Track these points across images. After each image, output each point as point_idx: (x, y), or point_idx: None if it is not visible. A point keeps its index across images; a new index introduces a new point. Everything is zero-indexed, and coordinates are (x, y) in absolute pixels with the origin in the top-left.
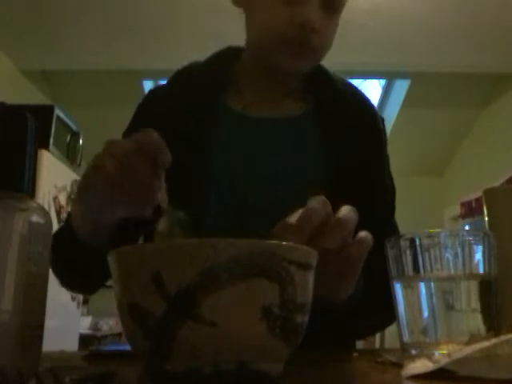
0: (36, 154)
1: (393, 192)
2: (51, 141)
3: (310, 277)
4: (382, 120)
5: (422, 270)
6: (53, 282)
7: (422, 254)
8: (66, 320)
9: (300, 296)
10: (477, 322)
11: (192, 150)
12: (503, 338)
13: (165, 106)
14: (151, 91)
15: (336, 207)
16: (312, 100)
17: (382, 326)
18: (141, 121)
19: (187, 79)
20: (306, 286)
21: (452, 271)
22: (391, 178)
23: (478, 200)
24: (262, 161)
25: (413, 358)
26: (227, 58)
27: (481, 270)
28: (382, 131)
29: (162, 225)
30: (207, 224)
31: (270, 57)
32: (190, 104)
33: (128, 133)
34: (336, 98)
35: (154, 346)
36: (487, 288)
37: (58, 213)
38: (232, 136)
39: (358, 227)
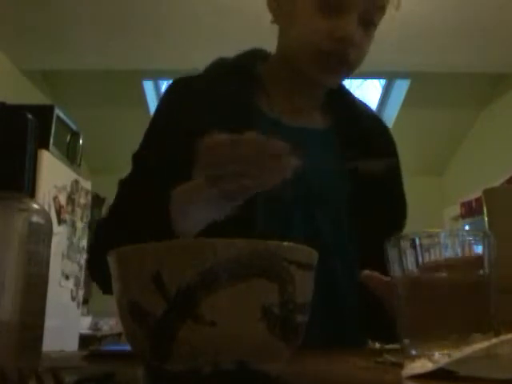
0: (36, 154)
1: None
2: (51, 141)
3: (310, 277)
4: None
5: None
6: (53, 282)
7: (422, 253)
8: (66, 320)
9: (300, 296)
10: (477, 322)
11: None
12: (503, 338)
13: (203, 101)
14: (184, 82)
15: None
16: (331, 113)
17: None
18: (176, 112)
19: (221, 76)
20: (306, 286)
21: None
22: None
23: (478, 200)
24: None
25: (413, 358)
26: (255, 59)
27: (481, 270)
28: (395, 148)
29: None
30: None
31: (305, 69)
32: (228, 103)
33: (163, 119)
34: (354, 113)
35: (153, 345)
36: (487, 288)
37: (58, 213)
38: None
39: (374, 237)
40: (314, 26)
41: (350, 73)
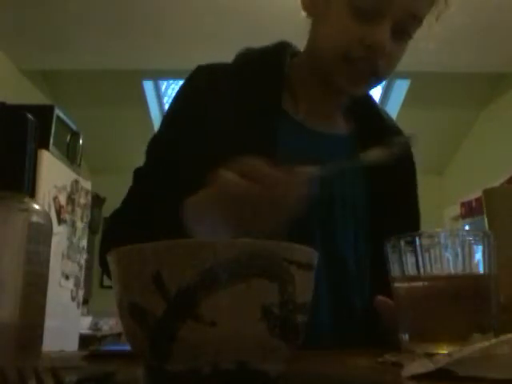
0: (36, 153)
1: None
2: (51, 141)
3: (310, 277)
4: None
5: (422, 270)
6: (53, 282)
7: (422, 254)
8: (66, 320)
9: (300, 296)
10: (477, 322)
11: (251, 148)
12: (503, 338)
13: (227, 96)
14: (208, 70)
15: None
16: (354, 120)
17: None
18: (198, 98)
19: (248, 71)
20: (306, 286)
21: (452, 271)
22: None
23: (478, 200)
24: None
25: (413, 357)
26: (285, 55)
27: (481, 270)
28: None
29: None
30: None
31: (331, 73)
32: (252, 99)
33: (185, 106)
34: (378, 123)
35: (153, 345)
36: (487, 288)
37: (58, 213)
38: (292, 144)
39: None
40: (345, 29)
41: (378, 83)
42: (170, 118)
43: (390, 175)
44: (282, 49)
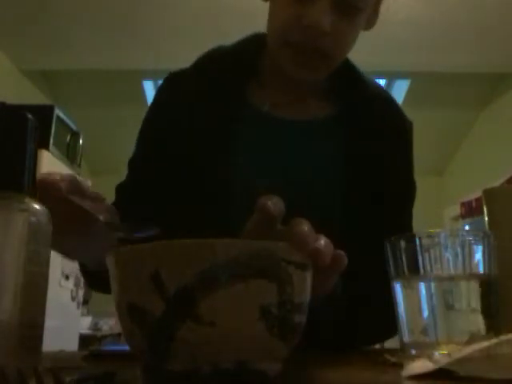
0: (36, 153)
1: (412, 199)
2: (51, 141)
3: (308, 277)
4: (410, 124)
5: (421, 270)
6: (53, 281)
7: (422, 253)
8: (66, 320)
9: (298, 296)
10: (477, 322)
11: (215, 147)
12: (503, 338)
13: (189, 96)
14: (173, 78)
15: (350, 217)
16: (338, 101)
17: (387, 331)
18: (162, 111)
19: (213, 68)
20: (304, 286)
21: (452, 271)
22: (414, 186)
23: (478, 200)
24: (286, 165)
25: (413, 358)
26: (255, 47)
27: (481, 270)
28: (408, 140)
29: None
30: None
31: (278, 61)
32: (215, 98)
33: (149, 123)
34: (365, 104)
35: (152, 345)
36: (487, 288)
37: None
38: (257, 137)
39: (369, 234)
40: (283, 12)
41: (331, 66)
42: (141, 135)
43: (374, 156)
44: (253, 40)
